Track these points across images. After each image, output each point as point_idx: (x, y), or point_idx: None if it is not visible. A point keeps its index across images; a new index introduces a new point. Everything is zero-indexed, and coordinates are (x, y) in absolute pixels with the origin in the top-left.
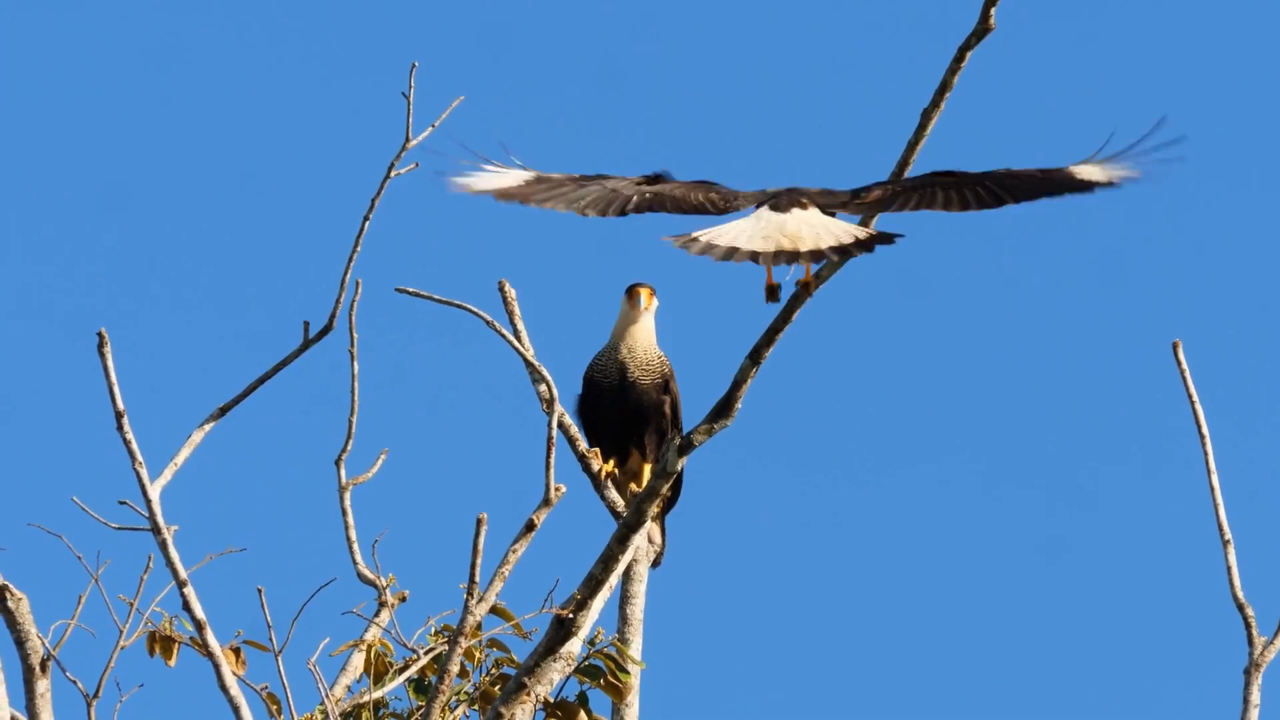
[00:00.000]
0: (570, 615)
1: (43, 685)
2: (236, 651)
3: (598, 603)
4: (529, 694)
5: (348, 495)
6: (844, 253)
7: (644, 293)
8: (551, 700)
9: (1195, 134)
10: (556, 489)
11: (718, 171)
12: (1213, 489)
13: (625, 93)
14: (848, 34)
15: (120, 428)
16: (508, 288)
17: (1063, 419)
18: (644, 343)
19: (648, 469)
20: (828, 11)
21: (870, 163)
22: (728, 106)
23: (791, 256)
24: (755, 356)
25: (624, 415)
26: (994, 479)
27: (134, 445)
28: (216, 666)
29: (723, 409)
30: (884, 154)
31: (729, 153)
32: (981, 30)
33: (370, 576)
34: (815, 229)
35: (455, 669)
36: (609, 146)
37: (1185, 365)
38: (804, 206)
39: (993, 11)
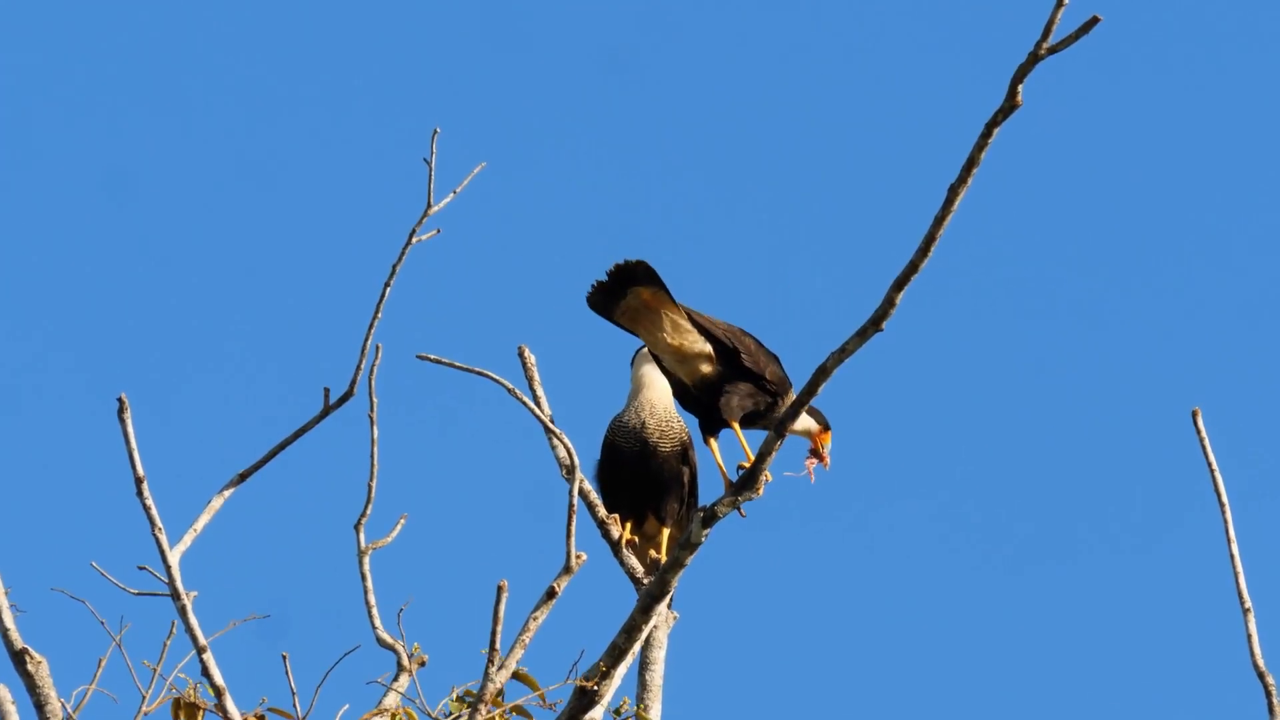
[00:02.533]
0: (593, 685)
1: None
2: (260, 719)
3: (620, 671)
4: None
5: (367, 560)
6: None
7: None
8: None
9: (1211, 203)
10: (578, 556)
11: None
12: (1232, 556)
13: (639, 92)
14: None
15: (140, 493)
16: (527, 353)
17: (1085, 487)
18: (661, 406)
19: (665, 534)
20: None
21: (904, 226)
22: (755, 129)
23: None
24: (780, 430)
25: (644, 481)
26: (1020, 550)
27: (154, 510)
28: None
29: (748, 481)
30: (916, 220)
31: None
32: (1009, 107)
33: (390, 641)
34: None
35: None
36: (622, 144)
37: (1204, 433)
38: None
39: (1020, 88)
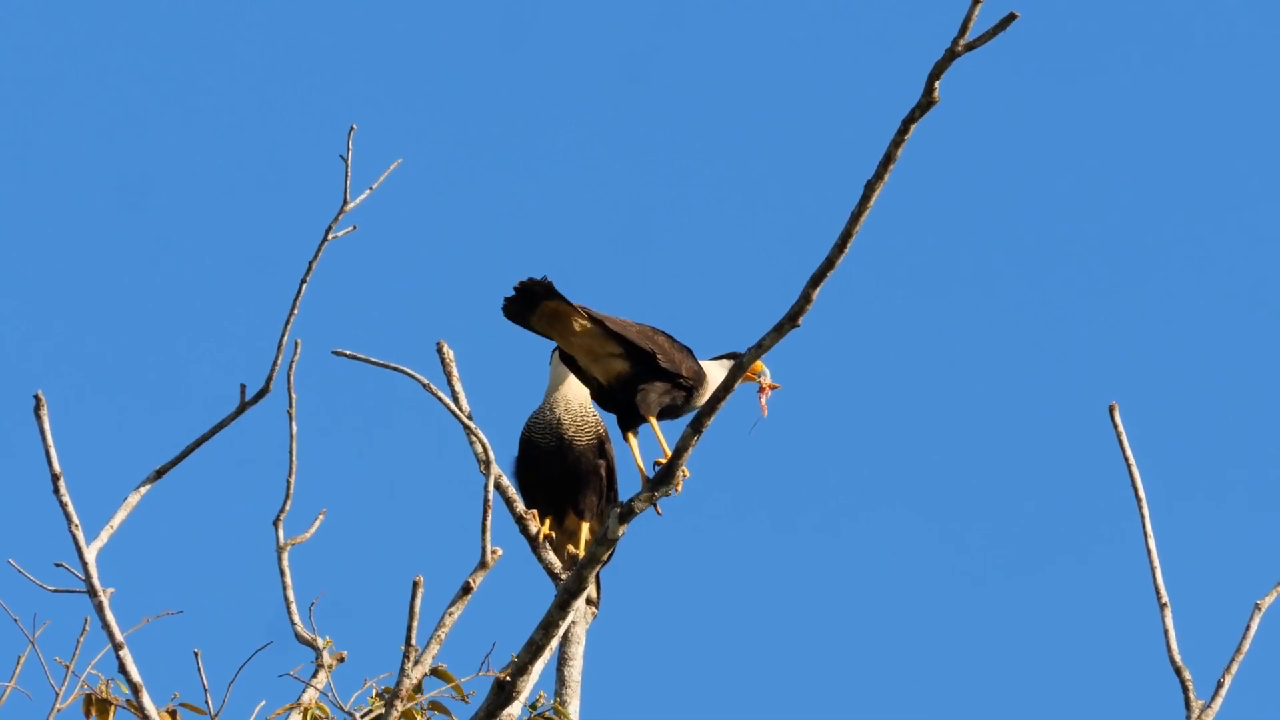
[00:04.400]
0: (510, 679)
1: None
2: (173, 714)
3: (538, 666)
4: None
5: (286, 556)
6: None
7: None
8: None
9: (1133, 200)
10: (493, 551)
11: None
12: (1149, 552)
13: (549, 82)
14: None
15: (56, 490)
16: (446, 349)
17: (1002, 484)
18: (577, 402)
19: (585, 529)
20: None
21: (820, 229)
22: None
23: None
24: (697, 425)
25: (561, 476)
26: (928, 540)
27: (70, 507)
28: None
29: (664, 476)
30: (834, 218)
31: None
32: (926, 103)
33: (308, 637)
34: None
35: None
36: (535, 136)
37: (1121, 427)
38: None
39: (937, 85)
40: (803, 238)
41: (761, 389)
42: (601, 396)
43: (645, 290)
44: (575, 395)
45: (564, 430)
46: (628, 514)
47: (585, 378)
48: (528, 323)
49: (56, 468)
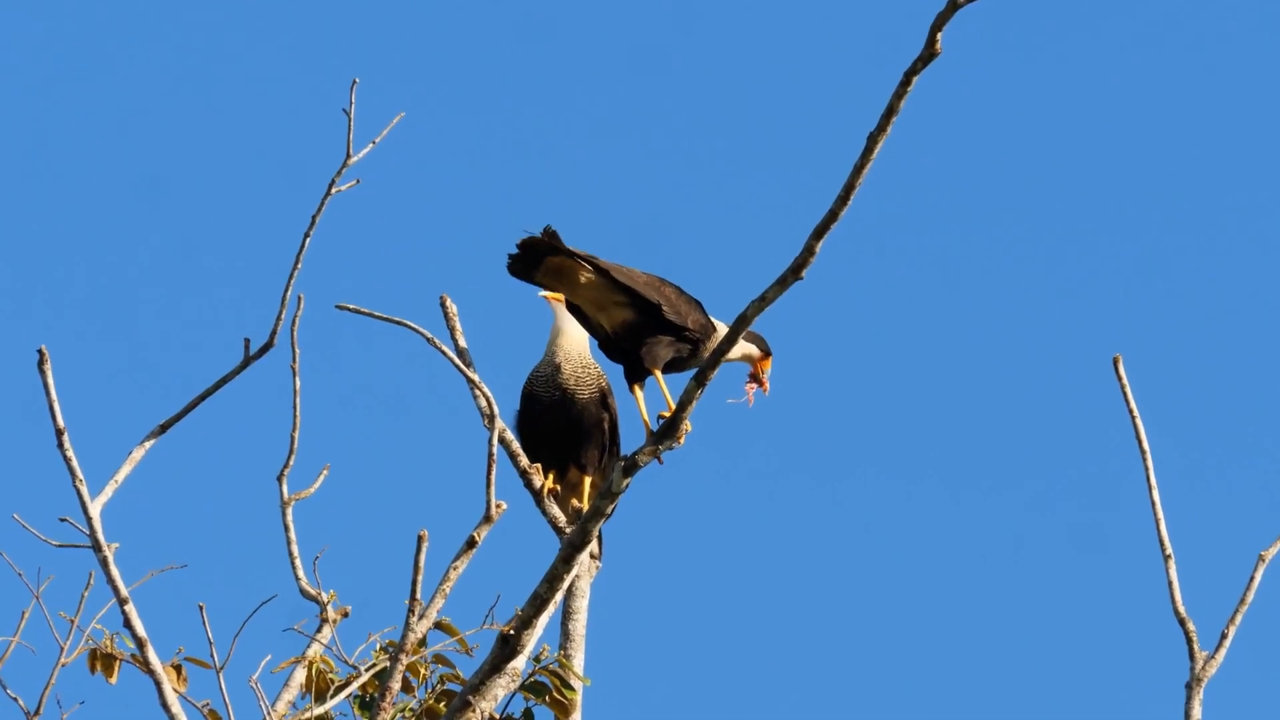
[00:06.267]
0: (514, 633)
1: None
2: (178, 669)
3: (542, 620)
4: (474, 710)
5: (289, 511)
6: None
7: (545, 295)
8: (497, 716)
9: (1137, 161)
10: (498, 505)
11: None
12: (1154, 503)
13: (552, 43)
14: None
15: (61, 445)
16: (449, 303)
17: (1006, 436)
18: (577, 352)
19: (587, 482)
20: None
21: (825, 183)
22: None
23: None
24: (700, 379)
25: (563, 429)
26: (931, 495)
27: (74, 462)
28: (158, 684)
29: (668, 430)
30: (837, 170)
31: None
32: (928, 55)
33: (312, 592)
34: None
35: (397, 685)
36: (538, 95)
37: (1126, 380)
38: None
39: (939, 36)
40: (812, 196)
41: (757, 378)
42: (607, 346)
43: (652, 247)
44: (575, 346)
45: (565, 383)
46: (631, 467)
47: (591, 326)
48: (532, 278)
49: (60, 423)
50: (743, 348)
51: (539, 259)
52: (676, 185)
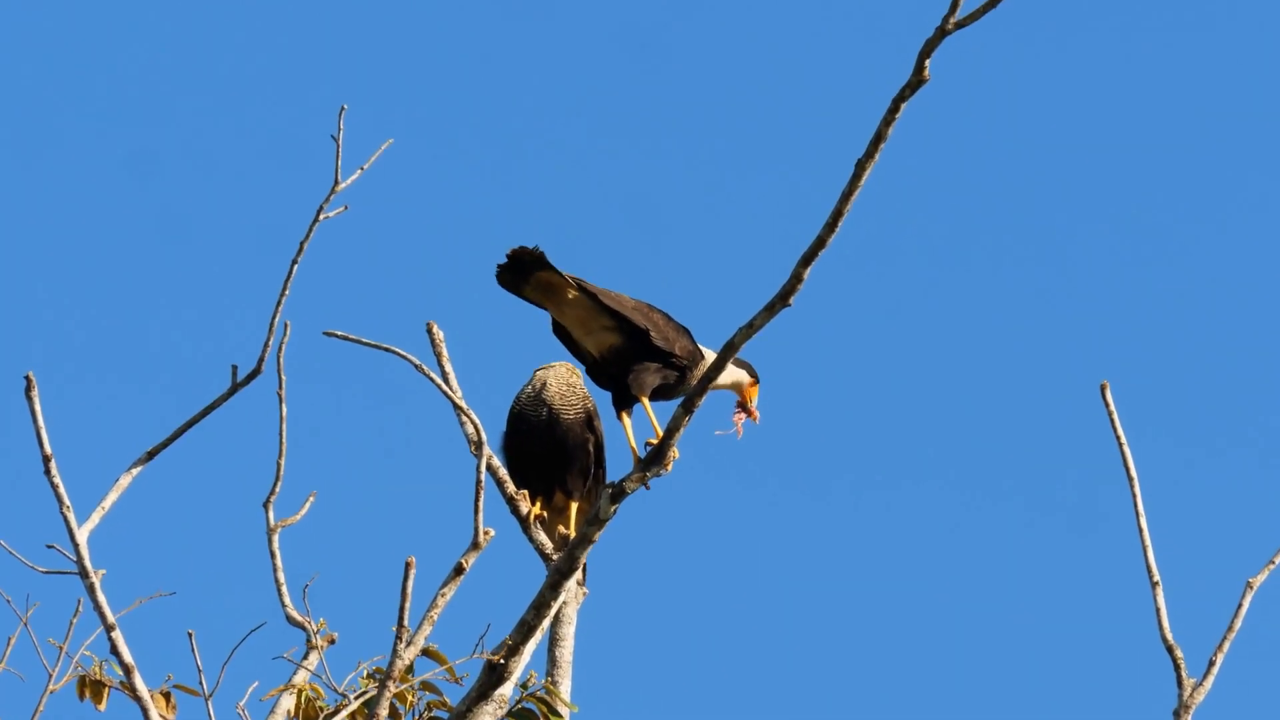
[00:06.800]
0: (502, 660)
1: None
2: (166, 696)
3: (529, 647)
4: None
5: (276, 538)
6: None
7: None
8: None
9: (1126, 183)
10: (485, 532)
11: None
12: (1141, 530)
13: (538, 65)
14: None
15: (48, 471)
16: (436, 330)
17: (991, 463)
18: (563, 371)
19: (574, 508)
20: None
21: (818, 194)
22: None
23: None
24: (688, 406)
25: (549, 450)
26: (917, 523)
27: (61, 489)
28: (145, 711)
29: (655, 457)
30: (825, 200)
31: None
32: (916, 82)
33: (299, 619)
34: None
35: (384, 712)
36: (527, 118)
37: (1113, 406)
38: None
39: (927, 63)
40: (802, 222)
41: (746, 408)
42: (595, 371)
43: (641, 273)
44: (560, 369)
45: (551, 400)
46: (619, 494)
47: (578, 351)
48: (521, 292)
49: (48, 449)
50: (731, 374)
51: (528, 273)
52: (662, 204)
